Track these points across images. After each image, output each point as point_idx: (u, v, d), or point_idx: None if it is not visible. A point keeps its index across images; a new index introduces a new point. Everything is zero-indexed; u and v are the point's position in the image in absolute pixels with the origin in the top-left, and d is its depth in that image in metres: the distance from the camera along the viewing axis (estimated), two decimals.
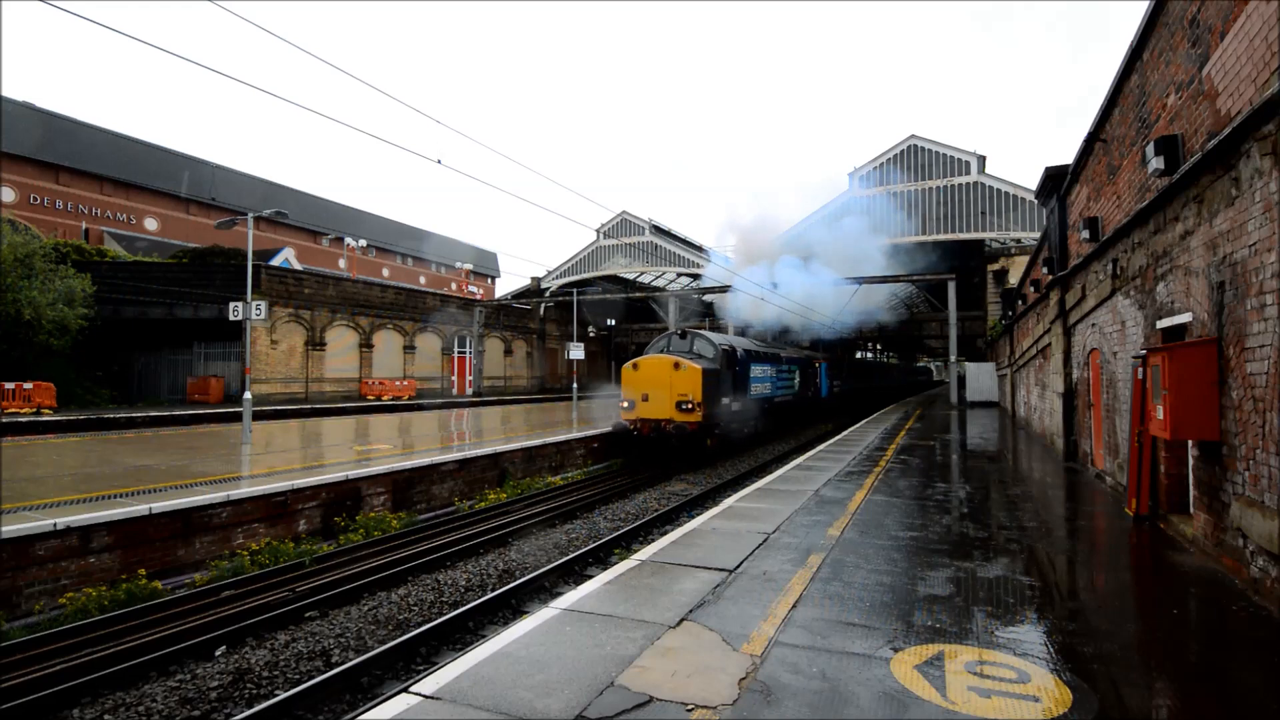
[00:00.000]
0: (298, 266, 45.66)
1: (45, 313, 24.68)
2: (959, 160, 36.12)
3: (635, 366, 17.32)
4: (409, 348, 39.58)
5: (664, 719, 3.31)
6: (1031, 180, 43.97)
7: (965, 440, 17.33)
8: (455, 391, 42.59)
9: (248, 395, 16.29)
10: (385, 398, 34.98)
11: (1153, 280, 7.26)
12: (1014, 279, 29.86)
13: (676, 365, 16.64)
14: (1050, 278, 13.53)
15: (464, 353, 44.02)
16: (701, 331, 18.51)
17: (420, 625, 6.88)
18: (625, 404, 17.10)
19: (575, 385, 32.23)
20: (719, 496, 13.10)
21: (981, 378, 33.13)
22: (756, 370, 20.92)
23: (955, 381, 34.61)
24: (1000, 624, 4.53)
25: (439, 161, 9.31)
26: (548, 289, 51.13)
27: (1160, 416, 6.04)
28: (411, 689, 3.73)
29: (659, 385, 16.76)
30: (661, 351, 17.95)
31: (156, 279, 29.80)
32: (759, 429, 21.47)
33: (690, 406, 16.25)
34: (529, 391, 48.10)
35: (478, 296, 60.72)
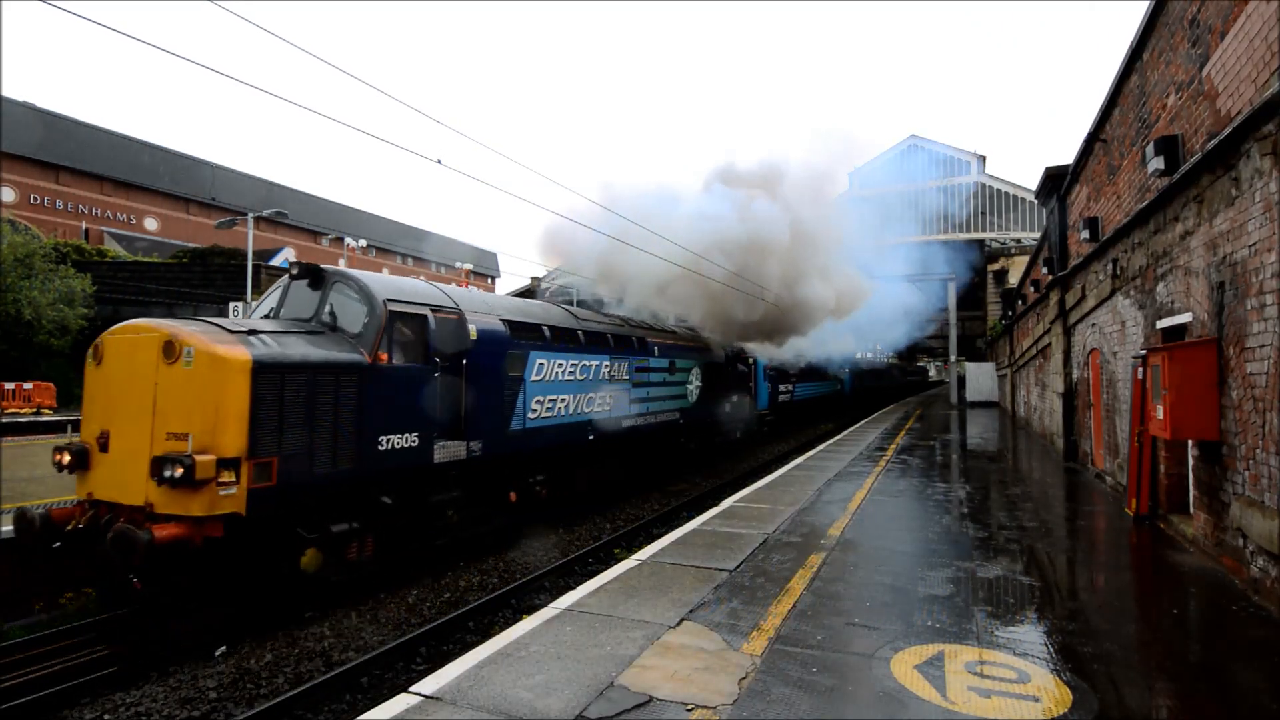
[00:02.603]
0: None
1: (45, 313, 24.71)
2: (959, 160, 36.13)
3: (96, 354, 6.74)
4: None
5: (664, 719, 3.31)
6: (1031, 180, 43.97)
7: (965, 441, 17.33)
8: None
9: None
10: None
11: (1153, 280, 7.26)
12: (1014, 279, 29.86)
13: (170, 349, 6.15)
14: (1050, 278, 13.54)
15: None
16: (357, 274, 7.97)
17: (420, 625, 6.88)
18: (63, 457, 6.54)
19: None
20: (720, 496, 13.09)
21: (981, 378, 33.14)
22: (549, 366, 10.26)
23: (955, 381, 34.62)
24: (1000, 624, 4.53)
25: (439, 161, 9.28)
26: (547, 289, 51.17)
27: (1160, 416, 6.04)
28: (411, 689, 3.73)
29: (133, 408, 6.32)
30: (274, 313, 7.99)
31: (156, 279, 29.82)
32: (563, 491, 10.96)
33: (181, 471, 5.69)
34: None
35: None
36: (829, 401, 31.83)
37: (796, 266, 19.93)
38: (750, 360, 20.45)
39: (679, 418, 14.97)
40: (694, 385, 15.86)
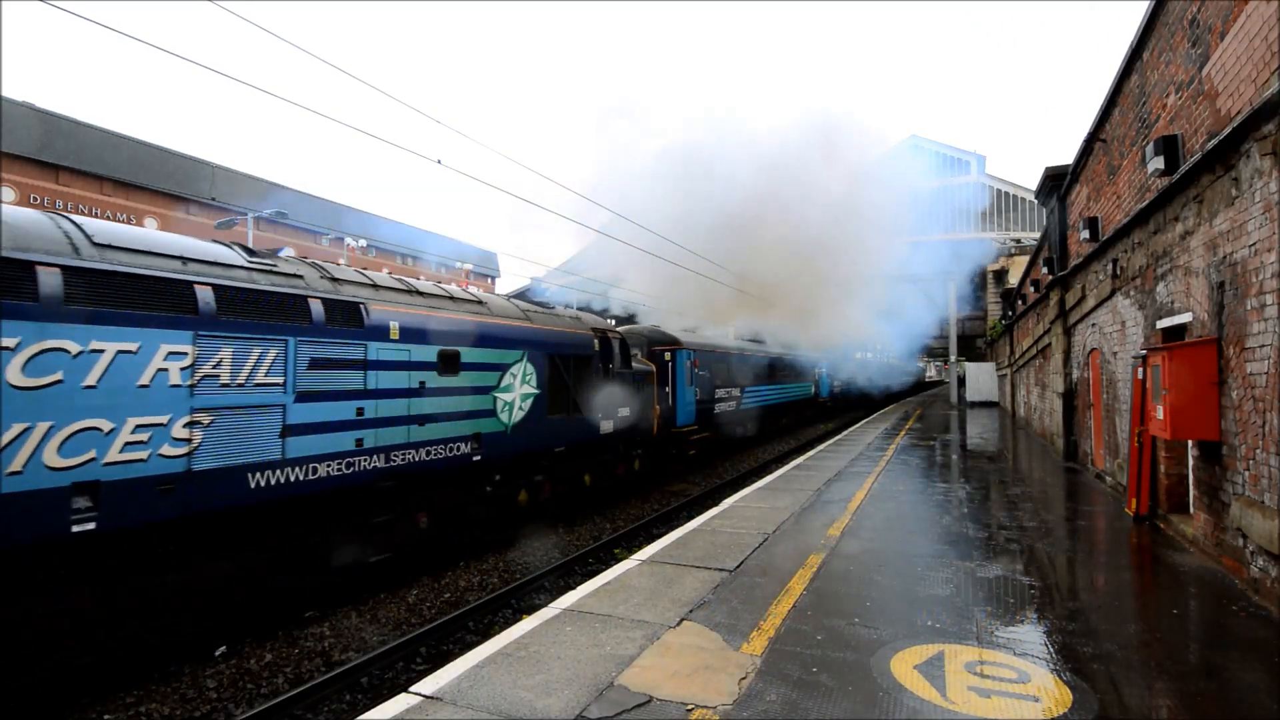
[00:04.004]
0: None
1: None
2: (959, 160, 36.15)
3: None
4: None
5: (664, 719, 3.31)
6: (1031, 180, 43.95)
7: (965, 441, 17.33)
8: None
9: None
10: None
11: (1153, 280, 7.26)
12: (1014, 279, 29.84)
13: None
14: (1050, 278, 13.54)
15: None
16: None
17: (420, 625, 6.88)
18: None
19: None
20: (719, 496, 13.10)
21: (981, 378, 33.16)
22: None
23: (955, 381, 34.66)
24: (1000, 624, 4.53)
25: (439, 161, 9.29)
26: (547, 289, 51.14)
27: (1160, 416, 6.04)
28: (411, 689, 3.73)
29: None
30: None
31: None
32: None
33: None
34: None
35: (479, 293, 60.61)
36: (797, 410, 25.11)
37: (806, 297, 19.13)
38: (666, 353, 14.90)
39: (474, 450, 8.89)
40: (519, 394, 9.69)
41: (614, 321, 15.55)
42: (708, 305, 18.61)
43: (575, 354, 11.38)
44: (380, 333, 7.65)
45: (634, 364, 13.63)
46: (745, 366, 20.01)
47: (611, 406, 12.35)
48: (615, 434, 12.51)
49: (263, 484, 6.34)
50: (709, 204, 17.41)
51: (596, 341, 12.09)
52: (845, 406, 34.53)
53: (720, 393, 17.90)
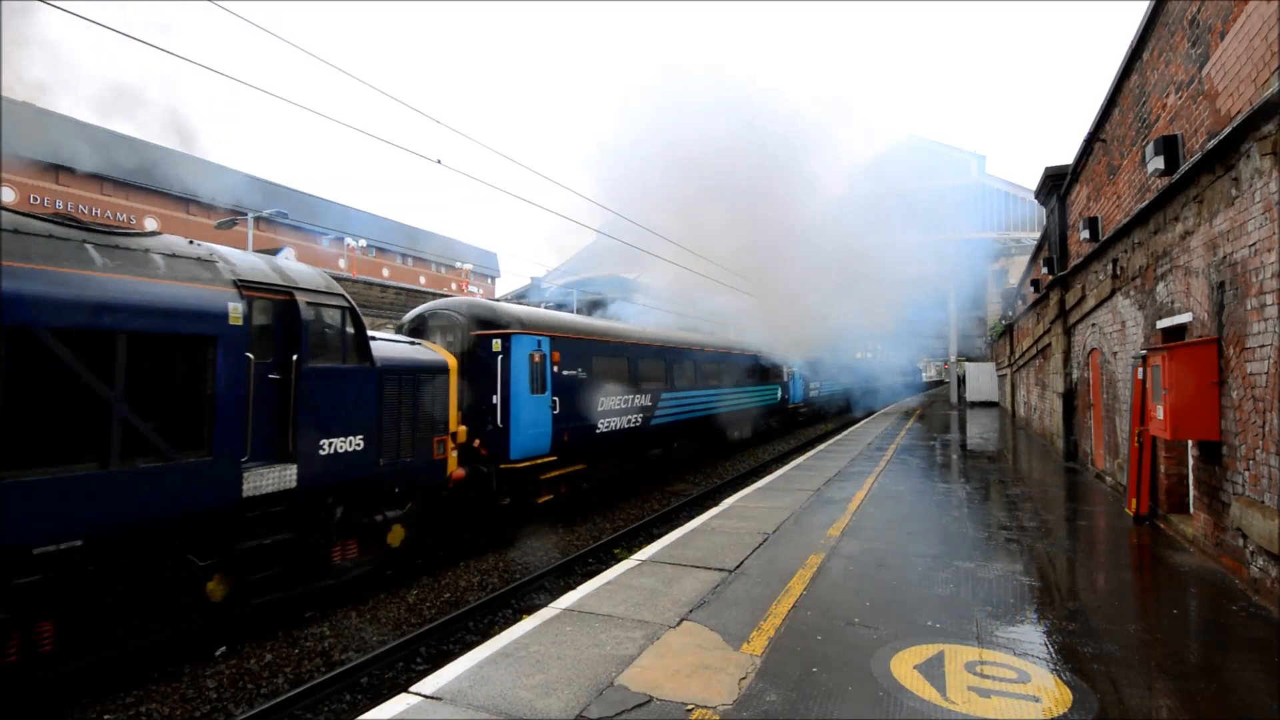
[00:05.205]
0: None
1: None
2: (959, 160, 36.14)
3: None
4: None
5: (664, 719, 3.31)
6: (1031, 180, 43.90)
7: (965, 441, 17.34)
8: None
9: None
10: None
11: (1153, 280, 7.26)
12: (1014, 279, 29.84)
13: None
14: (1050, 278, 13.54)
15: None
16: None
17: (420, 625, 6.88)
18: None
19: None
20: (719, 496, 13.10)
21: (981, 378, 33.18)
22: None
23: (955, 381, 34.68)
24: (1000, 624, 4.53)
25: (439, 161, 9.30)
26: (548, 289, 51.13)
27: (1160, 416, 6.04)
28: (412, 689, 3.73)
29: None
30: None
31: None
32: None
33: None
34: None
35: (478, 296, 60.65)
36: (756, 420, 20.16)
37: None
38: (497, 342, 9.89)
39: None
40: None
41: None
42: (689, 293, 17.47)
43: (154, 331, 5.36)
44: None
45: (409, 351, 8.56)
46: (664, 363, 14.28)
47: (295, 435, 6.46)
48: (313, 489, 6.58)
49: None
50: (695, 184, 16.51)
51: (245, 307, 6.03)
52: (825, 415, 30.68)
53: (611, 401, 12.28)
